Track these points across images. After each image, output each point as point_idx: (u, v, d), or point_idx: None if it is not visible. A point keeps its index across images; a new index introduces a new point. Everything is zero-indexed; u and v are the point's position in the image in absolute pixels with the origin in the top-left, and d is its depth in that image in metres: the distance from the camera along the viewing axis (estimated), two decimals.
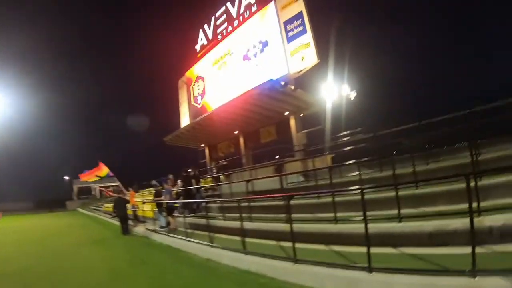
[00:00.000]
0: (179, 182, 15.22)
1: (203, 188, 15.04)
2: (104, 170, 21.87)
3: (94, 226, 19.80)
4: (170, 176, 17.20)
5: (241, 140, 21.61)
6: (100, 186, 35.84)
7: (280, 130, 19.12)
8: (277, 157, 16.81)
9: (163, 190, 13.85)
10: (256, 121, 19.60)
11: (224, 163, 20.28)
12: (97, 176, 22.26)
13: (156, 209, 13.65)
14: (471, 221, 3.89)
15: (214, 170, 20.28)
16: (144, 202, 17.22)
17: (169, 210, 12.52)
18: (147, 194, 21.87)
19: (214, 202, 13.07)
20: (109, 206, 26.30)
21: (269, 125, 19.68)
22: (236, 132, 21.56)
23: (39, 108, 69.94)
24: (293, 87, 15.48)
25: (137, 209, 16.75)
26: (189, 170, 15.29)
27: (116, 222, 17.08)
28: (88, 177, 23.13)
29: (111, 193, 28.40)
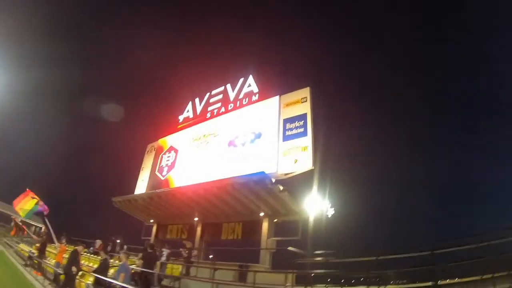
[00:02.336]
0: (136, 260, 11.63)
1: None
2: (31, 201, 15.10)
3: None
4: (98, 241, 14.34)
5: (199, 229, 18.68)
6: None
7: (247, 230, 16.63)
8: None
9: (119, 264, 10.48)
10: (222, 213, 17.19)
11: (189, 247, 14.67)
12: (21, 209, 15.17)
13: None
14: None
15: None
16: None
17: None
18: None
19: None
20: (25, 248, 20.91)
21: (236, 222, 17.18)
22: (195, 219, 18.84)
23: None
24: (281, 187, 13.87)
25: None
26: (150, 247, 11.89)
27: (28, 275, 13.64)
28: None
29: (33, 236, 22.42)
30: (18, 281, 13.01)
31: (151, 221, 22.15)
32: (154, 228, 21.97)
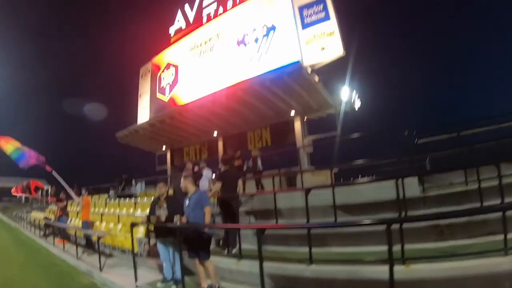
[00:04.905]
0: (212, 179, 8.98)
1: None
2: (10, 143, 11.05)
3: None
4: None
5: (220, 144, 17.19)
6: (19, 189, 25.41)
7: (277, 134, 15.13)
8: None
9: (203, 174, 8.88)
10: (244, 121, 15.56)
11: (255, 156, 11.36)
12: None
13: (154, 238, 6.21)
14: None
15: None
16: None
17: (202, 241, 5.08)
18: (100, 204, 16.10)
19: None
20: (38, 215, 18.49)
21: (261, 128, 15.62)
22: (214, 134, 17.32)
23: None
24: (317, 78, 12.13)
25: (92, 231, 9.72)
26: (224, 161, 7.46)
27: (52, 248, 10.54)
28: None
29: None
30: (44, 262, 8.86)
31: (163, 148, 20.58)
32: (168, 155, 20.46)
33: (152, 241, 7.29)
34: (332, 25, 12.71)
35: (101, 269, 6.83)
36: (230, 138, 16.97)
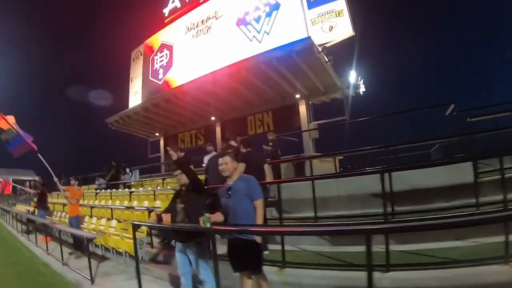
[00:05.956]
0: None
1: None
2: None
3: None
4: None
5: (218, 129, 16.15)
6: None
7: (279, 119, 14.15)
8: None
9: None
10: (245, 105, 14.62)
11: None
12: None
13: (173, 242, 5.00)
14: None
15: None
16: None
17: (253, 247, 3.45)
18: (90, 195, 14.52)
19: None
20: (22, 208, 16.59)
21: (263, 112, 14.62)
22: (212, 118, 16.25)
23: None
24: (326, 58, 11.15)
25: (80, 225, 8.35)
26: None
27: (36, 249, 8.86)
28: None
29: (26, 189, 16.72)
30: (25, 268, 7.22)
31: (156, 134, 19.48)
32: (162, 142, 19.37)
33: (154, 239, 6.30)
34: (341, 3, 11.99)
35: (92, 281, 5.39)
36: (228, 123, 15.94)
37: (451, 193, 4.82)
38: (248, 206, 3.46)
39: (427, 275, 3.31)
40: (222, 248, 3.75)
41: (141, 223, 5.67)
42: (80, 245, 7.64)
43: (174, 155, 3.96)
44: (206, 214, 3.33)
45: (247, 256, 3.39)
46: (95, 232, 7.71)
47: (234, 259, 3.52)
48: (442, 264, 3.43)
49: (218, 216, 3.52)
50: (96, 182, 15.58)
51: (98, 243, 7.68)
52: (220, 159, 3.70)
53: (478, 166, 4.73)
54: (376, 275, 3.11)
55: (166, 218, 4.00)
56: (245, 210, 3.45)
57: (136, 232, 4.64)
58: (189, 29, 16.44)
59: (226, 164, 3.59)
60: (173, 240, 5.13)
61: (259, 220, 3.44)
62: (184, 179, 4.02)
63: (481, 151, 6.71)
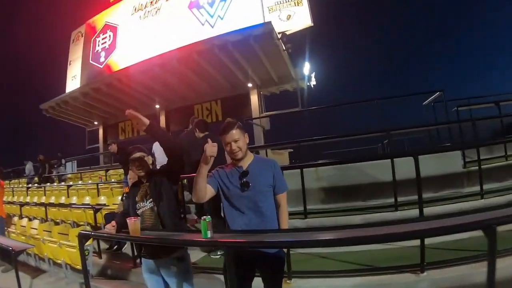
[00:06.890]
0: None
1: None
2: None
3: None
4: None
5: (162, 118, 15.06)
6: None
7: (229, 108, 13.33)
8: None
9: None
10: (192, 93, 13.70)
11: None
12: None
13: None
14: None
15: None
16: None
17: (278, 257, 2.22)
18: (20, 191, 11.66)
19: None
20: None
21: (211, 101, 13.82)
22: (157, 107, 15.05)
23: None
24: (284, 45, 10.70)
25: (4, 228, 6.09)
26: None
27: None
28: None
29: None
30: None
31: (95, 123, 17.80)
32: (101, 131, 17.73)
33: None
34: None
35: None
36: (174, 112, 14.96)
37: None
38: (273, 202, 2.23)
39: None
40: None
41: (93, 234, 3.46)
42: (7, 255, 5.64)
43: (144, 118, 2.40)
44: (206, 217, 2.03)
45: (274, 275, 2.21)
46: (24, 238, 5.60)
47: (247, 279, 2.18)
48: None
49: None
50: (26, 169, 13.79)
51: (30, 252, 5.54)
52: (226, 135, 2.09)
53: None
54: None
55: (134, 225, 2.33)
56: (270, 207, 2.20)
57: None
58: (137, 10, 15.28)
59: (237, 141, 2.09)
60: (135, 253, 3.79)
61: (286, 222, 2.27)
62: (147, 165, 2.56)
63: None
